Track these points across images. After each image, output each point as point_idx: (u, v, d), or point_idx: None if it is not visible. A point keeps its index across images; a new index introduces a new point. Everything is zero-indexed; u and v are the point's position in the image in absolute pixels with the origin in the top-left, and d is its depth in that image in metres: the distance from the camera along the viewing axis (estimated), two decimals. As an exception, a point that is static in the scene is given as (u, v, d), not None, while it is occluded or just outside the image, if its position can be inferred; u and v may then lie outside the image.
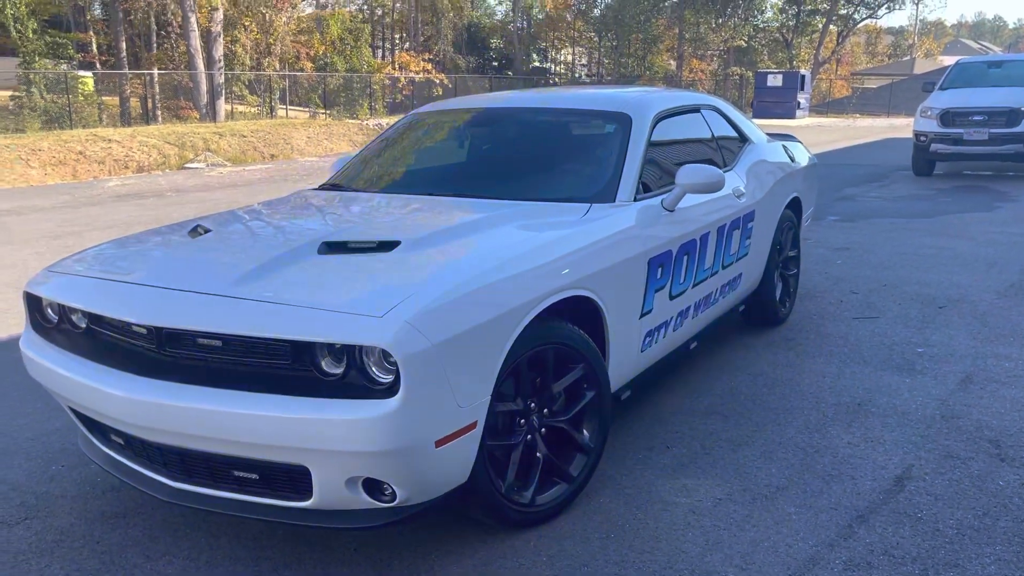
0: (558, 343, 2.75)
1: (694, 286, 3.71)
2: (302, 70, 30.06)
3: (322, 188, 4.07)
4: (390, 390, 2.21)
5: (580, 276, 2.83)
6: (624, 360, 3.22)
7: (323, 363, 2.28)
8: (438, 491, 2.42)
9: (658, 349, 3.53)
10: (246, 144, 18.19)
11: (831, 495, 2.97)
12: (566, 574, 2.53)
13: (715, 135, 4.42)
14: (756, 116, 32.35)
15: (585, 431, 2.92)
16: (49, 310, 2.86)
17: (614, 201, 3.31)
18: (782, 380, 4.12)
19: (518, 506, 2.70)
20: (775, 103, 34.14)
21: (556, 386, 2.81)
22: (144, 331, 2.45)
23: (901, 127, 26.51)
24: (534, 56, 53.38)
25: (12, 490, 3.14)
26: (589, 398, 2.90)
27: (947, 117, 12.02)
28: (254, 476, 2.42)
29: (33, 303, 2.90)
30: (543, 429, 2.79)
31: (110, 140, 16.08)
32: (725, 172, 4.14)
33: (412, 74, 34.52)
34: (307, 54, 30.57)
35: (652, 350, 3.45)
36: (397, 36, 51.36)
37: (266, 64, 27.67)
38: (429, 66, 36.52)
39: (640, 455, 3.31)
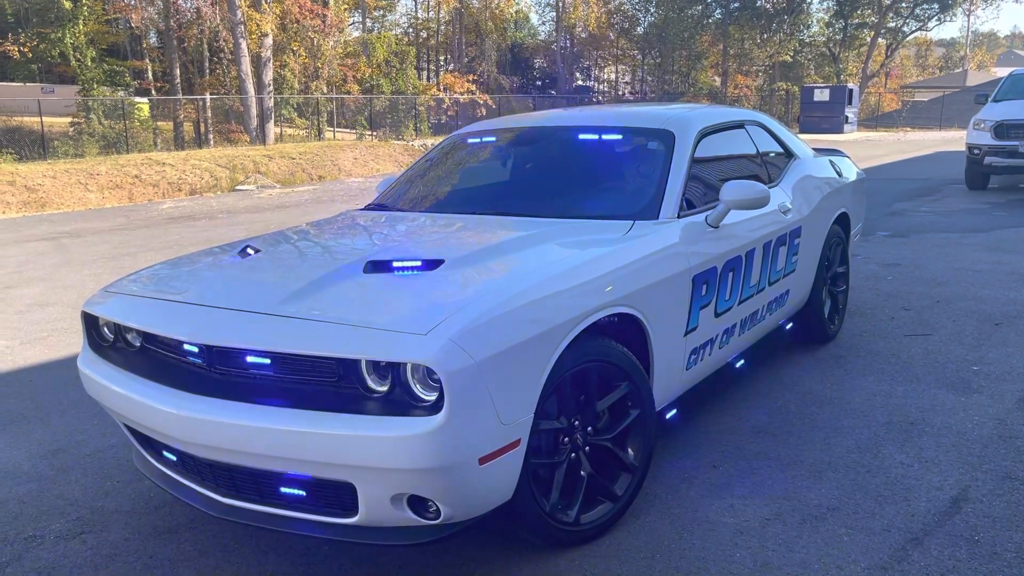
0: (602, 361, 2.74)
1: (740, 303, 3.67)
2: (349, 93, 30.60)
3: (368, 208, 4.13)
4: (434, 407, 2.23)
5: (624, 293, 2.82)
6: (669, 378, 3.19)
7: (368, 380, 2.30)
8: (482, 509, 2.42)
9: (704, 367, 3.49)
10: (295, 166, 18.54)
11: (884, 516, 2.90)
12: (611, 594, 2.51)
13: (760, 151, 4.38)
14: (803, 131, 31.95)
15: (630, 449, 2.90)
16: (105, 329, 2.95)
17: (657, 218, 3.30)
18: (831, 398, 4.04)
19: (562, 525, 2.68)
20: (822, 118, 33.68)
21: (600, 404, 2.80)
22: (195, 349, 2.51)
23: (953, 140, 25.95)
24: (577, 75, 53.56)
25: (69, 505, 3.23)
26: (634, 416, 2.88)
27: (1001, 129, 11.74)
28: (301, 493, 2.45)
29: (90, 322, 2.99)
30: (587, 447, 2.78)
31: (164, 164, 16.55)
32: (770, 188, 4.10)
33: (456, 95, 34.89)
34: (354, 77, 31.12)
35: (698, 368, 3.42)
36: (442, 58, 52.08)
37: (314, 87, 28.24)
38: (473, 87, 36.92)
39: (686, 474, 3.28)
